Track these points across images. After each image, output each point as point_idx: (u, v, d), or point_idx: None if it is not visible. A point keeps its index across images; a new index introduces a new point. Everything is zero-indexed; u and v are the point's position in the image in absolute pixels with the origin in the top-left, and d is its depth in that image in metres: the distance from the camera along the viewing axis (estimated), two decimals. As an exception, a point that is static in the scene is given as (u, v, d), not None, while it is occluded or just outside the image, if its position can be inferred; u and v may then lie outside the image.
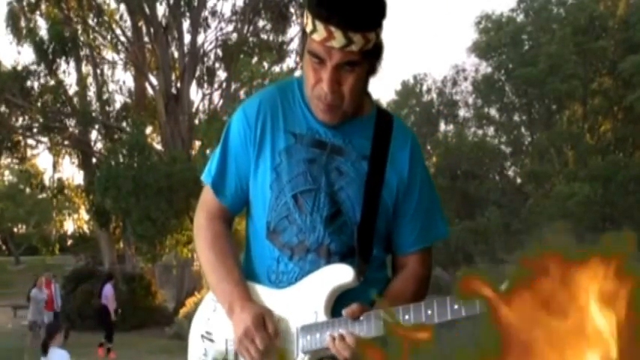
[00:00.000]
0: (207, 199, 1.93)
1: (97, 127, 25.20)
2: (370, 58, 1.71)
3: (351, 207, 1.77)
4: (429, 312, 1.51)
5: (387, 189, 1.79)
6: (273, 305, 1.78)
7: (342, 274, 1.71)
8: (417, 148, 1.88)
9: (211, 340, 1.89)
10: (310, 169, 1.78)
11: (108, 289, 15.51)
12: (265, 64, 21.93)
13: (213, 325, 1.90)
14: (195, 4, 23.44)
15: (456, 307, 1.47)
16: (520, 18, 22.00)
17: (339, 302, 1.71)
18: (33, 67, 24.09)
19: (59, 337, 7.71)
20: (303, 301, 1.74)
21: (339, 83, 1.69)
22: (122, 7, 24.03)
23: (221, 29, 24.57)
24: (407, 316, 1.53)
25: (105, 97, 25.49)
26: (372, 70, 1.76)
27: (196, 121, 23.71)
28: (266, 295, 1.80)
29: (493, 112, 22.80)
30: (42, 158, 69.28)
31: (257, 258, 1.86)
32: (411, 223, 1.82)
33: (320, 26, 1.63)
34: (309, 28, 1.66)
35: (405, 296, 1.74)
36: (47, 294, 15.88)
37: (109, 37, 24.70)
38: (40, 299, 15.37)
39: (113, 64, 25.86)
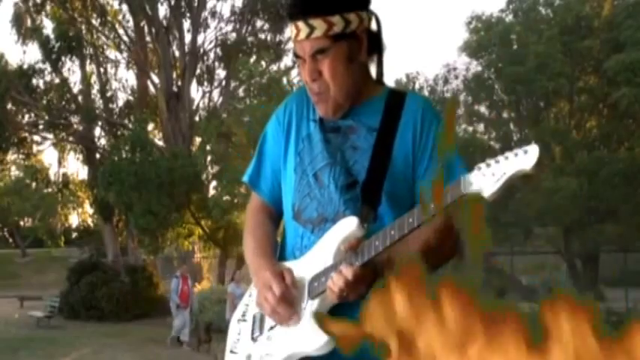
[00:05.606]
0: (252, 197, 2.07)
1: (100, 123, 25.53)
2: (343, 42, 1.72)
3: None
4: (410, 220, 1.56)
5: (398, 150, 1.79)
6: (296, 274, 1.81)
7: (347, 224, 1.75)
8: (429, 110, 1.85)
9: (245, 321, 1.94)
10: (327, 147, 1.83)
11: (230, 288, 14.04)
12: (263, 63, 22.00)
13: (248, 308, 1.97)
14: (196, 4, 23.71)
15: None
16: (509, 18, 22.08)
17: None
18: (38, 66, 24.40)
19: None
20: (315, 259, 1.78)
21: (318, 72, 1.74)
22: (125, 7, 24.34)
23: (220, 29, 24.90)
24: (392, 232, 1.59)
25: (108, 94, 25.81)
26: (351, 55, 1.75)
27: (196, 118, 23.97)
28: (291, 267, 1.85)
29: (483, 109, 23.04)
30: (47, 154, 69.14)
31: (287, 240, 1.93)
32: (425, 178, 1.79)
33: (291, 26, 1.73)
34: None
35: (418, 239, 1.64)
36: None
37: (112, 36, 25.00)
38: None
39: (116, 63, 26.21)
